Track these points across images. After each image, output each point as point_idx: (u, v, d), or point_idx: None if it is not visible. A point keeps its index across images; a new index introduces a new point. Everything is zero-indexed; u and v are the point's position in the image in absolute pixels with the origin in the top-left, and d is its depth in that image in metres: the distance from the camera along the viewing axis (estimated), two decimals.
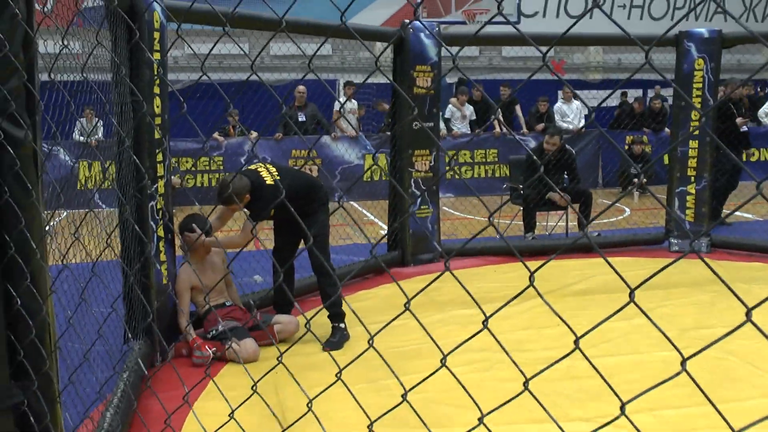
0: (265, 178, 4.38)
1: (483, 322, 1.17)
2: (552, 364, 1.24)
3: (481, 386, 3.66)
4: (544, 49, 1.11)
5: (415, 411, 1.36)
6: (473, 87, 11.57)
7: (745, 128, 8.41)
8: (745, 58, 17.09)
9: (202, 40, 3.88)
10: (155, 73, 4.07)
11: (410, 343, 4.37)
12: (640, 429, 1.13)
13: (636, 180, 10.59)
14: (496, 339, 1.20)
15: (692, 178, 7.06)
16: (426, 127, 6.33)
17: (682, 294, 5.49)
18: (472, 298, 1.20)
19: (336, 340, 4.46)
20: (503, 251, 6.77)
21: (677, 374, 1.04)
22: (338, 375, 1.32)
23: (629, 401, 1.10)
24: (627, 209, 9.75)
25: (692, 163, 7.04)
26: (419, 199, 6.48)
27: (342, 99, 11.47)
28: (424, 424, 1.40)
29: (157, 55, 4.13)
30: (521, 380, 1.26)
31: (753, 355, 4.10)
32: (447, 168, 8.82)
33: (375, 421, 1.35)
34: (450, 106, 11.31)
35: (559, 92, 12.23)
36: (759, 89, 13.82)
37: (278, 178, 4.42)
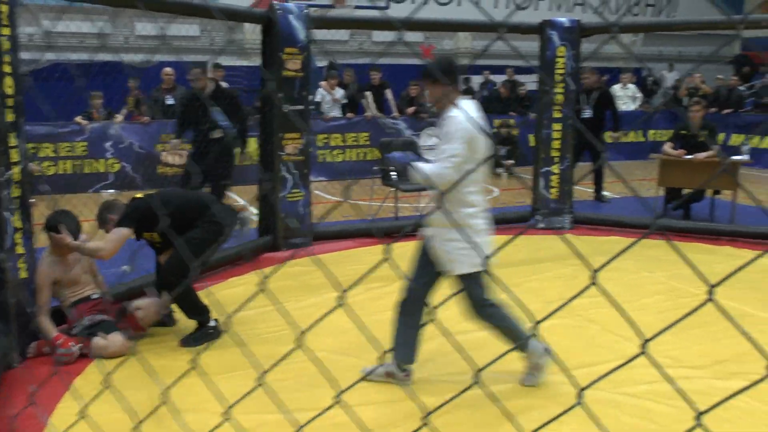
0: (136, 194, 4.39)
1: (339, 303, 1.16)
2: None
3: (354, 368, 3.70)
4: (410, 33, 1.11)
5: (269, 396, 1.34)
6: (344, 70, 11.58)
7: (588, 113, 8.88)
8: (600, 47, 18.01)
9: (61, 17, 3.64)
10: (4, 50, 3.80)
11: (283, 327, 4.35)
12: (504, 397, 1.17)
13: (504, 162, 10.98)
14: (355, 321, 1.20)
15: (556, 159, 7.40)
16: (295, 111, 6.27)
17: (547, 269, 5.76)
18: (332, 280, 1.20)
19: (195, 336, 4.27)
20: (377, 233, 6.84)
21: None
22: (193, 365, 1.28)
23: (482, 368, 1.13)
24: (496, 189, 10.08)
25: (556, 144, 7.38)
26: (290, 183, 6.41)
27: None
28: (278, 407, 1.39)
29: (6, 30, 3.84)
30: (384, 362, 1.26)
31: (612, 323, 4.36)
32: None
33: (231, 406, 1.32)
34: (320, 89, 11.26)
35: None
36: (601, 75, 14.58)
37: (150, 193, 4.42)
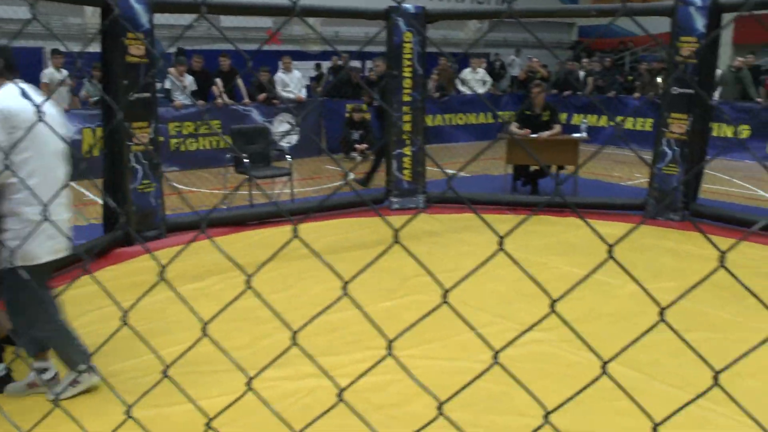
0: None
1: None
2: (230, 310, 1.26)
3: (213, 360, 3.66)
4: (261, 18, 1.09)
5: (107, 384, 1.30)
6: (193, 56, 11.24)
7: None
8: (449, 33, 18.61)
9: None
10: None
11: (160, 319, 4.36)
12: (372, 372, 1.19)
13: (357, 146, 11.08)
14: (196, 315, 1.18)
15: (407, 141, 7.57)
16: (141, 98, 6.03)
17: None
18: (165, 280, 1.17)
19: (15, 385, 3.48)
20: (233, 221, 6.74)
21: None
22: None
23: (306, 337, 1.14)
24: (351, 174, 10.16)
25: (406, 127, 7.55)
26: (140, 174, 6.16)
27: (49, 68, 10.51)
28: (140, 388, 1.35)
29: None
30: (251, 347, 1.25)
31: (466, 295, 4.55)
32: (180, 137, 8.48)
33: (60, 392, 1.27)
34: (170, 76, 10.87)
35: (279, 63, 12.29)
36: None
37: None
